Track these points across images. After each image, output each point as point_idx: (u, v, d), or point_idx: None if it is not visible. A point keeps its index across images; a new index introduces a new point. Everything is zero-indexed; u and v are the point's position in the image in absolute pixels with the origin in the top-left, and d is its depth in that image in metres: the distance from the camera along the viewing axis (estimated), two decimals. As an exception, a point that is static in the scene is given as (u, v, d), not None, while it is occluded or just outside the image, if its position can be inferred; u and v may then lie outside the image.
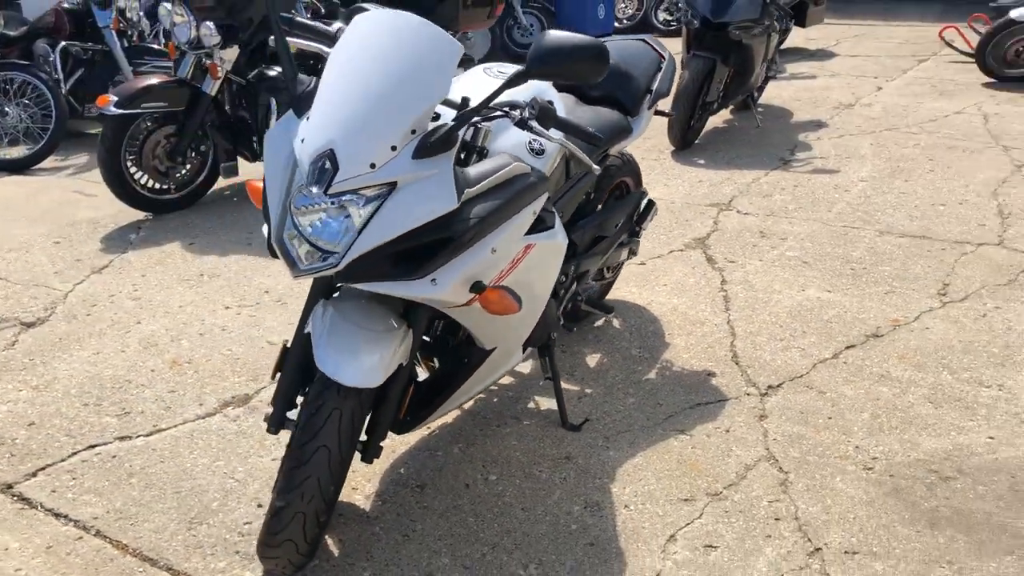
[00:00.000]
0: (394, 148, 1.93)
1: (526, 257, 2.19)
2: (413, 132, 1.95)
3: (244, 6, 4.62)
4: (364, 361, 1.99)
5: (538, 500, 2.50)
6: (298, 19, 2.52)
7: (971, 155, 5.60)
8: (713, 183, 5.27)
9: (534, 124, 2.07)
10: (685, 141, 5.84)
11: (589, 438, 2.80)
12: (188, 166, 4.97)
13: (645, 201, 3.35)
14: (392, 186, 1.94)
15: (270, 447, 2.76)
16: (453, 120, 2.01)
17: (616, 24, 11.18)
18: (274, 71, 4.81)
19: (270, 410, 2.22)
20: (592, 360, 3.25)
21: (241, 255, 4.31)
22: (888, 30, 11.12)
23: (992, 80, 7.72)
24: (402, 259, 2.00)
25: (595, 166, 2.28)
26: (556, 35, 1.94)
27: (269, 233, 2.06)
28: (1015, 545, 2.29)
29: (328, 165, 1.91)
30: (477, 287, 2.09)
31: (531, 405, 2.96)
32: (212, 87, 4.78)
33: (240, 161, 5.17)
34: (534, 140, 2.38)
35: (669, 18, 11.21)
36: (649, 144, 6.07)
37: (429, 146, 1.95)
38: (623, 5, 11.45)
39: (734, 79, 6.00)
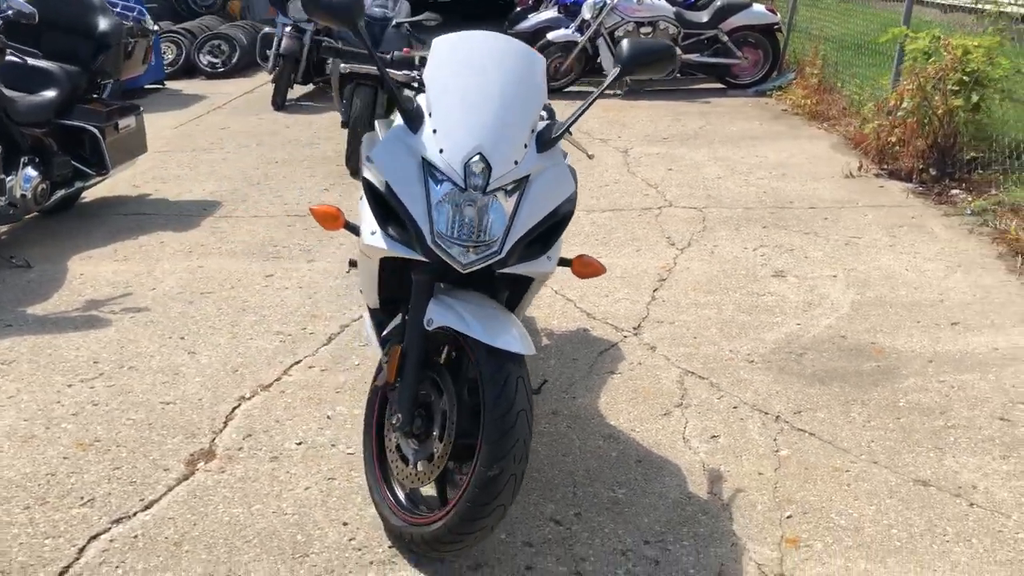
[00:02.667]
0: (526, 146, 2.29)
1: None
2: (532, 131, 2.33)
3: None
4: (516, 334, 2.30)
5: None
6: (341, 47, 2.63)
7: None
8: None
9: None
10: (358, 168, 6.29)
11: (550, 396, 3.26)
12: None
13: None
14: (526, 179, 2.30)
15: (284, 480, 2.77)
16: (569, 120, 2.40)
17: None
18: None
19: (397, 418, 2.36)
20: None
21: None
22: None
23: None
24: (529, 243, 2.36)
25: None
26: (640, 42, 2.46)
27: (415, 238, 2.24)
28: (871, 376, 3.33)
29: (481, 167, 2.20)
30: (564, 261, 2.51)
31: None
32: None
33: None
34: None
35: (215, 60, 11.27)
36: (331, 177, 6.36)
37: (550, 140, 2.34)
38: (163, 50, 11.20)
39: (389, 104, 6.60)
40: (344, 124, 6.45)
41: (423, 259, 2.26)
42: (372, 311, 2.75)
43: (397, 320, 2.55)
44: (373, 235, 2.33)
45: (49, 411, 3.18)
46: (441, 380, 2.37)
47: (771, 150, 6.70)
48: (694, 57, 9.04)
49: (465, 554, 2.39)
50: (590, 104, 2.39)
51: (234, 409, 3.21)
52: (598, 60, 9.03)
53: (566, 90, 9.01)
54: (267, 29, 9.44)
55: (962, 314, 3.85)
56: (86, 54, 5.31)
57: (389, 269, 2.51)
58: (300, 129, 7.84)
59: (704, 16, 9.05)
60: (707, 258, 4.54)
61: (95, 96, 5.45)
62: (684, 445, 2.93)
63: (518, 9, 12.46)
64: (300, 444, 2.98)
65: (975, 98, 5.23)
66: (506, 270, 2.31)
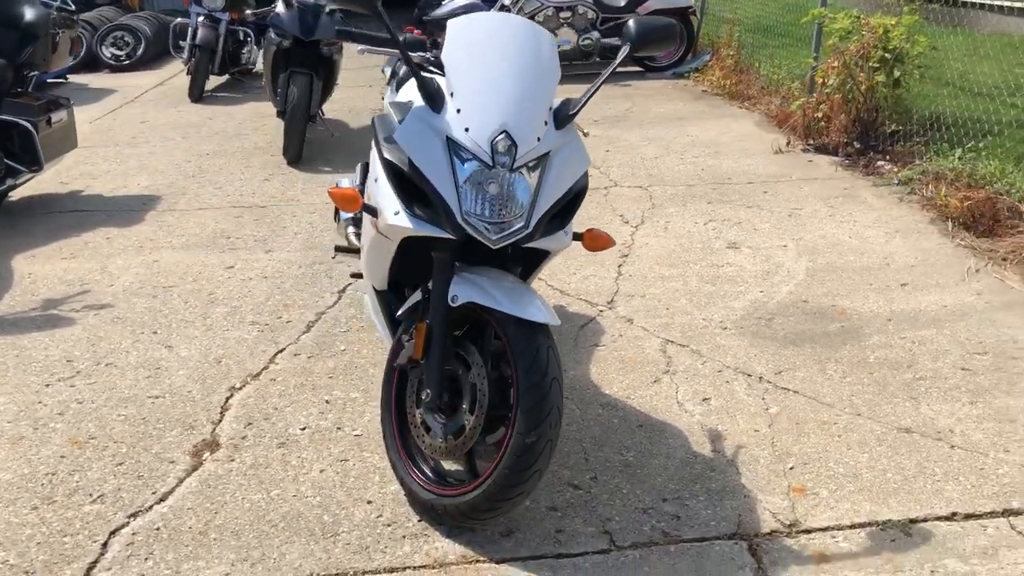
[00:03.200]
0: (545, 123, 2.37)
1: None
2: (549, 108, 2.41)
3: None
4: (540, 305, 2.38)
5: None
6: (356, 30, 2.63)
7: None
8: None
9: None
10: (300, 154, 6.25)
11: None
12: None
13: None
14: (546, 155, 2.38)
15: (296, 465, 2.80)
16: (584, 97, 2.48)
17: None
18: None
19: (427, 393, 2.42)
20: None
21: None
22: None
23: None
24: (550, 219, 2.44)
25: None
26: (645, 19, 2.56)
27: (443, 216, 2.29)
28: (838, 336, 3.53)
29: (507, 144, 2.27)
30: (575, 235, 2.61)
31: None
32: None
33: None
34: None
35: (119, 53, 10.92)
36: (268, 167, 6.29)
37: (566, 117, 2.42)
38: (69, 43, 10.78)
39: (323, 92, 6.56)
40: (280, 113, 6.38)
41: (450, 237, 2.31)
42: (379, 292, 2.78)
43: (413, 299, 2.58)
44: (397, 215, 2.36)
45: (33, 412, 3.10)
46: (468, 354, 2.42)
47: (699, 129, 6.92)
48: (613, 40, 9.21)
49: (495, 522, 2.45)
50: (602, 82, 2.48)
51: (228, 399, 3.19)
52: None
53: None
54: (179, 20, 9.19)
55: (909, 276, 4.10)
56: (11, 46, 5.11)
57: (402, 250, 2.54)
58: (223, 121, 7.69)
59: (621, 1, 9.24)
60: (662, 234, 4.69)
61: (20, 90, 5.24)
62: (679, 409, 3.06)
63: (429, -5, 12.40)
64: (304, 429, 2.99)
65: (897, 74, 5.53)
66: (530, 245, 2.37)
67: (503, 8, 9.02)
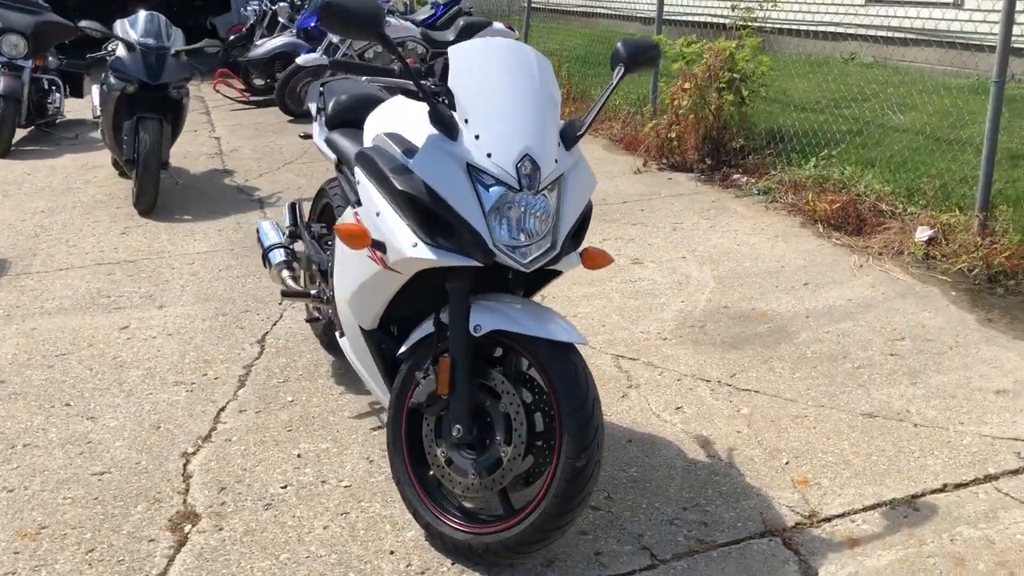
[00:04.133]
0: (558, 144, 2.39)
1: None
2: (557, 130, 2.43)
3: None
4: (565, 325, 2.38)
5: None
6: (353, 62, 2.50)
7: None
8: (228, 234, 5.54)
9: None
10: (155, 204, 5.89)
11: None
12: None
13: None
14: (562, 176, 2.39)
15: (295, 526, 2.63)
16: (588, 118, 2.50)
17: None
18: None
19: (457, 429, 2.34)
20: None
21: None
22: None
23: (291, 117, 9.11)
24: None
25: None
26: (633, 41, 2.61)
27: (472, 244, 2.24)
28: (770, 336, 3.74)
29: (530, 167, 2.27)
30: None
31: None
32: None
33: None
34: None
35: None
36: (120, 220, 5.87)
37: (574, 138, 2.45)
38: None
39: (171, 137, 6.22)
40: (127, 163, 5.97)
41: (471, 265, 2.25)
42: (368, 332, 2.66)
43: (420, 334, 2.49)
44: (415, 247, 2.28)
45: (-42, 508, 2.72)
46: (495, 384, 2.36)
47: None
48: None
49: (535, 554, 2.40)
50: (603, 103, 2.51)
51: (185, 466, 2.94)
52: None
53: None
54: (-26, 70, 8.38)
55: (806, 275, 4.39)
56: None
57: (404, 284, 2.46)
58: (46, 175, 7.09)
59: (450, 35, 9.34)
60: (566, 255, 4.77)
61: None
62: (658, 420, 3.12)
63: (232, 37, 12.09)
64: (287, 487, 2.80)
65: (745, 92, 5.94)
66: (558, 266, 2.36)
67: (331, 46, 8.91)
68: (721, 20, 7.93)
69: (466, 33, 9.31)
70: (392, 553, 2.47)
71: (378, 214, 2.40)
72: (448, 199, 2.22)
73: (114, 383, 3.51)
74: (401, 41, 9.16)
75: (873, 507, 2.60)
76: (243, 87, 9.95)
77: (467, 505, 2.51)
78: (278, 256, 3.49)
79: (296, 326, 3.95)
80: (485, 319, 2.32)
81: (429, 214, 2.27)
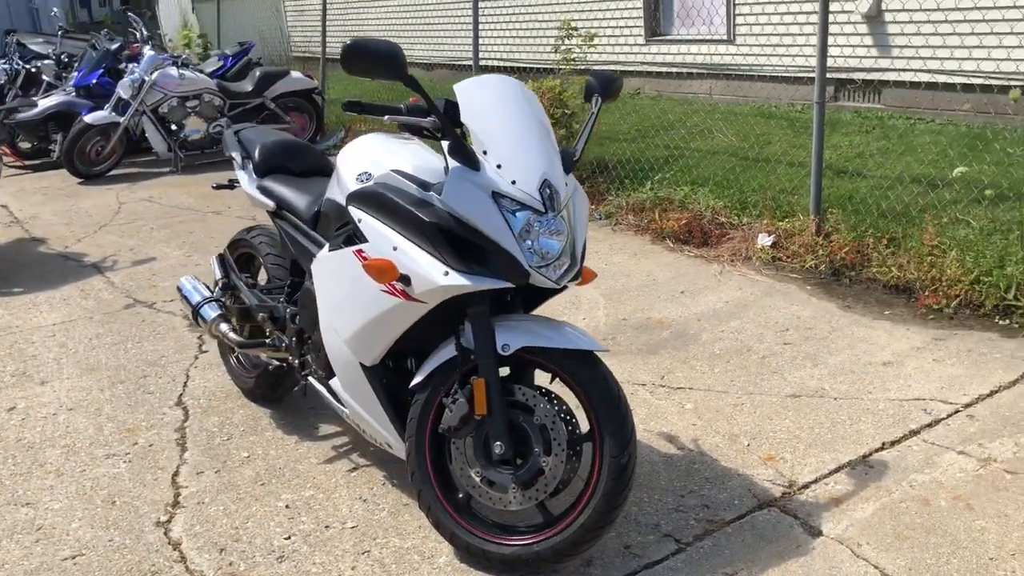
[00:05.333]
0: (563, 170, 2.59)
1: None
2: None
3: None
4: (583, 334, 2.57)
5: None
6: (366, 103, 2.50)
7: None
8: (77, 302, 5.21)
9: None
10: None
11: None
12: None
13: None
14: (569, 199, 2.60)
15: (320, 574, 2.60)
16: (580, 144, 2.69)
17: None
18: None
19: (499, 446, 2.46)
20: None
21: None
22: None
23: (82, 179, 8.60)
24: None
25: None
26: (602, 73, 2.85)
27: (506, 267, 2.38)
28: (677, 340, 4.09)
29: (548, 192, 2.46)
30: None
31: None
32: None
33: None
34: None
35: None
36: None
37: (571, 163, 2.65)
38: None
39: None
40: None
41: (503, 286, 2.38)
42: (371, 369, 2.69)
43: (435, 362, 2.56)
44: (448, 275, 2.37)
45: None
46: (528, 398, 2.50)
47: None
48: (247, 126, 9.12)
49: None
50: (590, 132, 2.71)
51: (166, 533, 2.81)
52: (145, 139, 8.71)
53: (109, 174, 8.54)
54: None
55: (678, 285, 4.81)
56: None
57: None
58: None
59: (247, 85, 9.20)
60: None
61: None
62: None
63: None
64: (290, 538, 2.76)
65: (576, 126, 6.37)
66: (571, 284, 2.53)
67: (120, 103, 8.52)
68: (533, 64, 8.44)
69: (264, 83, 9.23)
70: (435, 580, 2.50)
71: (395, 248, 2.45)
72: (481, 226, 2.33)
73: (34, 465, 3.25)
74: (197, 94, 8.91)
75: (836, 470, 2.96)
76: (7, 151, 9.20)
77: (499, 521, 2.59)
78: (212, 311, 3.39)
79: (211, 384, 3.82)
80: (512, 338, 2.44)
81: (460, 242, 2.36)
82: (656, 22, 9.43)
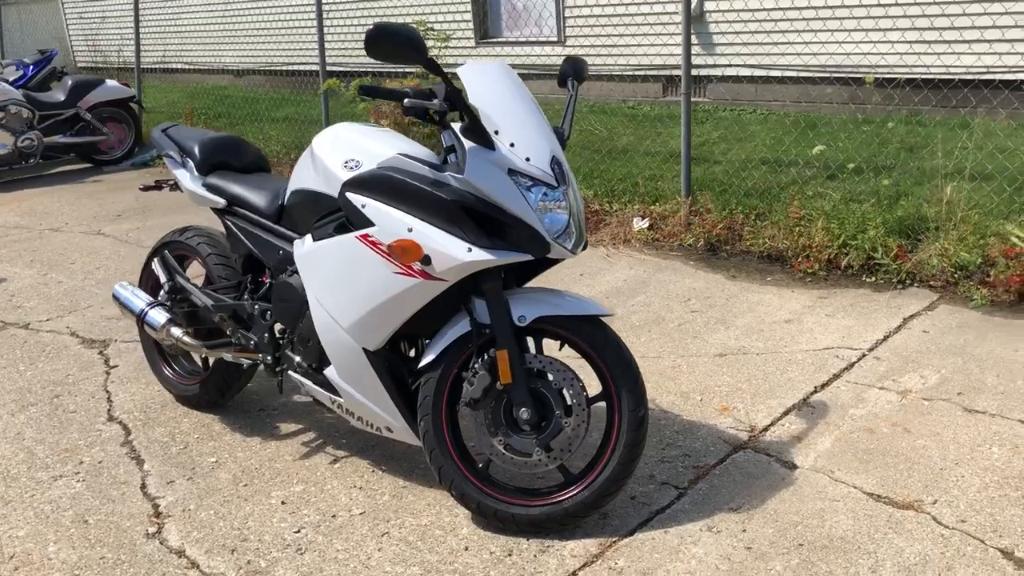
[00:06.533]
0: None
1: None
2: (551, 135, 2.79)
3: None
4: (589, 300, 2.76)
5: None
6: (377, 87, 2.49)
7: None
8: None
9: None
10: None
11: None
12: None
13: None
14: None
15: (344, 559, 2.59)
16: (567, 124, 2.84)
17: None
18: None
19: (526, 411, 2.57)
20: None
21: None
22: None
23: None
24: None
25: None
26: (573, 57, 3.01)
27: (528, 240, 2.51)
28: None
29: (557, 167, 2.63)
30: None
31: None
32: None
33: None
34: None
35: None
36: None
37: (563, 141, 2.81)
38: None
39: None
40: None
41: (529, 258, 2.51)
42: (375, 353, 2.73)
43: (446, 340, 2.64)
44: (471, 252, 2.47)
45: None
46: (544, 365, 2.64)
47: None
48: (59, 138, 8.58)
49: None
50: (573, 113, 2.87)
51: (163, 543, 2.72)
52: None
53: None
54: None
55: (576, 269, 5.07)
56: None
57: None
58: None
59: (60, 95, 8.64)
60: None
61: None
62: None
63: None
64: (300, 531, 2.75)
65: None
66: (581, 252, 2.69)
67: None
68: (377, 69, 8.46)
69: (77, 92, 8.74)
70: (467, 549, 2.59)
71: (410, 230, 2.51)
72: (504, 202, 2.45)
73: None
74: (2, 105, 8.28)
75: (786, 413, 3.29)
76: None
77: (519, 485, 2.70)
78: (161, 316, 3.26)
79: (139, 397, 3.66)
80: (527, 309, 2.57)
81: (481, 219, 2.47)
82: (486, 25, 9.69)
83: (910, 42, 7.03)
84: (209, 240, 3.36)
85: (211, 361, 3.36)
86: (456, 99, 2.49)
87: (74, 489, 2.99)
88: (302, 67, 10.95)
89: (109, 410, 3.56)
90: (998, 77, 6.56)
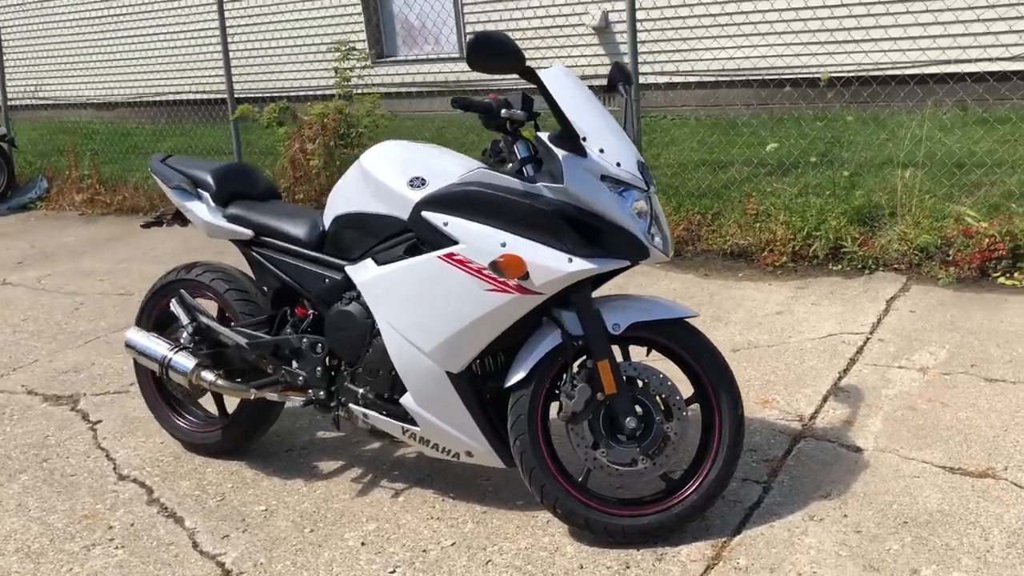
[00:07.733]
0: (630, 152, 2.73)
1: None
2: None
3: None
4: (678, 304, 2.76)
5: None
6: (471, 99, 2.37)
7: None
8: None
9: None
10: None
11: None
12: None
13: None
14: None
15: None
16: (632, 130, 2.82)
17: None
18: None
19: (631, 420, 2.54)
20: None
21: None
22: None
23: None
24: None
25: None
26: (622, 65, 2.99)
27: (627, 245, 2.49)
28: None
29: (645, 170, 2.62)
30: None
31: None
32: None
33: None
34: None
35: None
36: None
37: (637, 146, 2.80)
38: None
39: None
40: None
41: (628, 264, 2.49)
42: (459, 376, 2.63)
43: (536, 355, 2.57)
44: (571, 262, 2.41)
45: None
46: (639, 372, 2.61)
47: (151, 241, 6.63)
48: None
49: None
50: (637, 112, 2.86)
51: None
52: None
53: None
54: None
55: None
56: None
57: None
58: None
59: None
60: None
61: None
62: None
63: None
64: (395, 571, 2.61)
65: (368, 143, 6.37)
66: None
67: None
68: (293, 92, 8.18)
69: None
70: (582, 567, 2.52)
71: (504, 244, 2.43)
72: (603, 209, 2.41)
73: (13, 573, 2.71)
74: None
75: (825, 400, 3.37)
76: None
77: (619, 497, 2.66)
78: (188, 360, 3.02)
79: (145, 452, 3.40)
80: (620, 317, 2.55)
81: (580, 227, 2.42)
82: (381, 44, 9.54)
83: (821, 43, 7.40)
84: (224, 276, 3.15)
85: (226, 404, 3.15)
86: (552, 107, 2.42)
87: (117, 557, 2.73)
88: (186, 96, 10.45)
89: (115, 468, 3.28)
90: (899, 73, 7.00)
